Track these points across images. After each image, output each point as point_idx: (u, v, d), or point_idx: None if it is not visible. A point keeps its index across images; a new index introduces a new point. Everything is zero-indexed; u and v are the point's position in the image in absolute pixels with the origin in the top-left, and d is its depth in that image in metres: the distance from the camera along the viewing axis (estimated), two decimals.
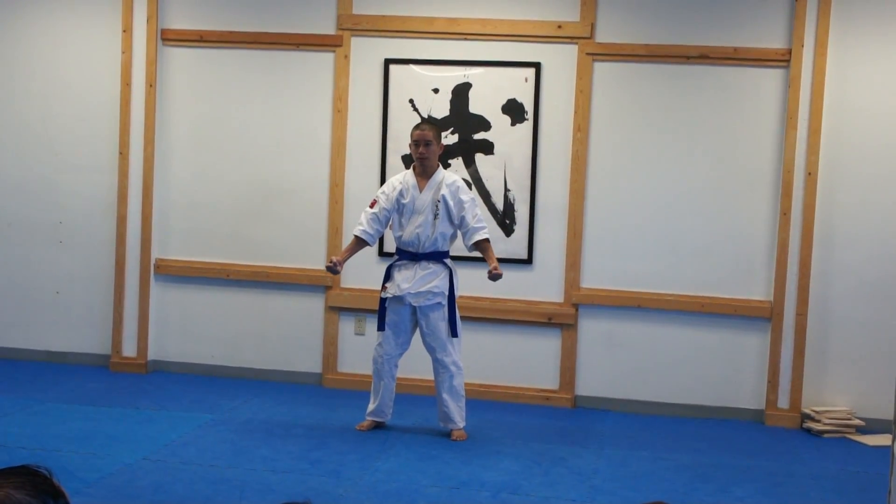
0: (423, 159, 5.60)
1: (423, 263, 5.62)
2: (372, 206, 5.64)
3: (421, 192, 5.61)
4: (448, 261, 5.71)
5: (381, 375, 5.72)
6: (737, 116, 6.38)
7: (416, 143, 5.60)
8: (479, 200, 6.58)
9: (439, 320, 5.62)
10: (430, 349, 5.70)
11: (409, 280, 5.59)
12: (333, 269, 5.59)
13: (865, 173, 6.26)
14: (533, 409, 6.48)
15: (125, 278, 6.96)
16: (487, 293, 6.63)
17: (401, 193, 5.61)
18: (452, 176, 5.74)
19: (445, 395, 5.72)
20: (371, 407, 5.79)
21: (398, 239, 5.70)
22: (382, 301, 5.69)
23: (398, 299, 5.61)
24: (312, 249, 6.82)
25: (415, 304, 5.60)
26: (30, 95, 7.09)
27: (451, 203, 5.59)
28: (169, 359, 7.04)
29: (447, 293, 5.63)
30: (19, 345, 7.19)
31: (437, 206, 5.57)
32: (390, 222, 5.70)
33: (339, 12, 6.68)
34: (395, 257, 5.76)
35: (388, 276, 5.70)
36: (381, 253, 6.69)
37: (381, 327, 5.70)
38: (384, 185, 5.77)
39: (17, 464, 1.57)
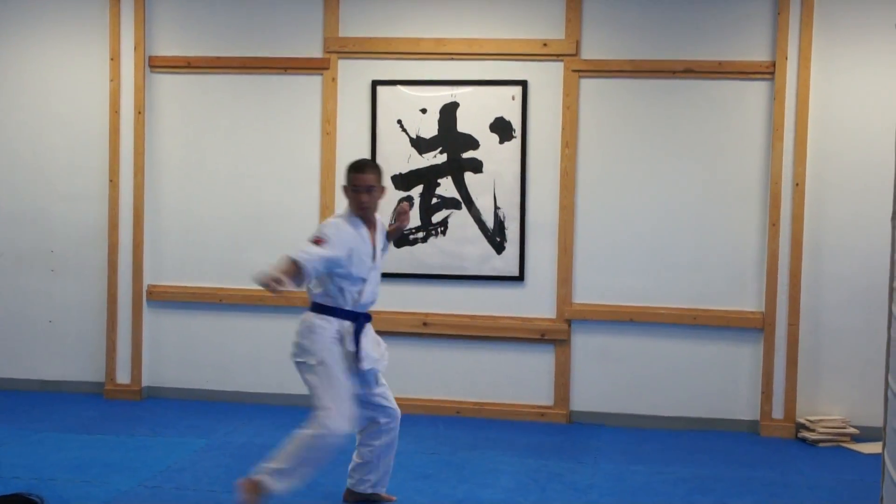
0: (365, 208, 4.62)
1: (368, 326, 4.72)
2: (318, 243, 4.42)
3: (374, 244, 4.70)
4: None
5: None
6: (723, 129, 6.42)
7: (355, 188, 4.60)
8: (470, 220, 6.61)
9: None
10: (381, 406, 4.74)
11: (374, 347, 4.68)
12: (274, 288, 4.17)
13: (852, 182, 6.30)
14: (528, 425, 6.49)
15: (118, 305, 6.95)
16: (480, 311, 6.65)
17: (358, 248, 4.58)
18: (378, 216, 4.83)
19: (391, 455, 4.84)
20: None
21: (351, 299, 4.58)
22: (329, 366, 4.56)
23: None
24: None
25: (380, 369, 4.72)
26: (19, 125, 7.10)
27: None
28: (163, 385, 7.03)
29: None
30: (12, 375, 7.17)
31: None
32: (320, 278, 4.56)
33: (325, 35, 6.72)
34: (333, 319, 4.59)
35: (335, 342, 4.58)
36: None
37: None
38: (332, 229, 4.53)
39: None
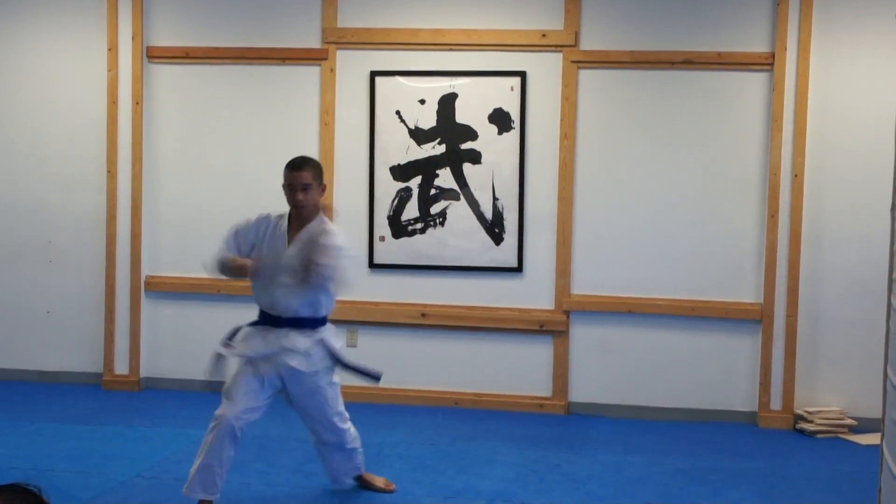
0: (300, 207, 4.48)
1: (284, 331, 4.52)
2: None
3: (290, 244, 4.49)
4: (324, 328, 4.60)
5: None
6: (722, 120, 6.42)
7: (290, 186, 4.48)
8: (469, 211, 6.60)
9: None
10: (308, 428, 4.78)
11: (258, 344, 4.56)
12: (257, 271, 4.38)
13: (851, 173, 6.30)
14: (526, 416, 6.49)
15: (116, 296, 6.95)
16: (478, 302, 6.65)
17: (266, 238, 4.50)
18: (332, 228, 4.52)
19: (338, 463, 4.87)
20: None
21: (264, 301, 4.59)
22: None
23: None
24: None
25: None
26: (17, 115, 7.09)
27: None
28: (161, 375, 7.03)
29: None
30: (11, 365, 7.17)
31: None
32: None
33: (324, 26, 6.70)
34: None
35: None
36: (372, 264, 6.70)
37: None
38: (232, 228, 4.68)
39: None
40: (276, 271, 4.45)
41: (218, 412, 4.49)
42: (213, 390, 6.90)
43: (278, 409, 6.48)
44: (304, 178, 4.47)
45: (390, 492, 4.89)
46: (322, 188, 4.57)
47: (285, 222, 4.55)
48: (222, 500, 4.73)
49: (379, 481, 4.94)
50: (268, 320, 4.56)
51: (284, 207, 4.63)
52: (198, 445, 4.55)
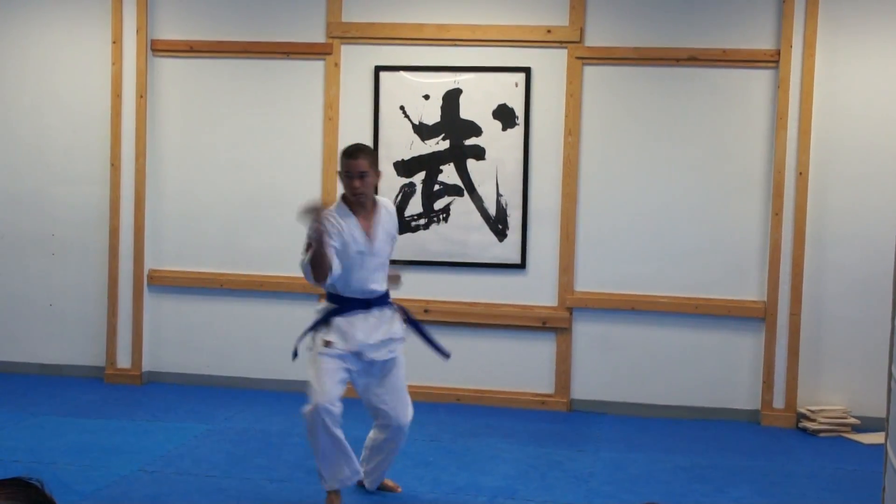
0: (358, 194, 4.51)
1: (375, 311, 4.60)
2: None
3: (370, 234, 4.55)
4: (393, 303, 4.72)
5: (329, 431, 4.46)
6: (727, 118, 6.40)
7: (347, 174, 4.50)
8: (472, 207, 6.60)
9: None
10: (376, 407, 4.64)
11: (364, 331, 4.53)
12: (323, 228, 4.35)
13: (856, 172, 6.28)
14: (529, 413, 6.48)
15: (118, 289, 6.95)
16: (481, 298, 6.64)
17: (340, 235, 4.48)
18: (385, 201, 4.77)
19: (384, 457, 4.76)
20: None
21: (344, 287, 4.55)
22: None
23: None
24: None
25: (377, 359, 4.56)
26: (21, 108, 7.09)
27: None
28: (164, 369, 7.03)
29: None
30: (13, 358, 7.17)
31: (390, 247, 4.69)
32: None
33: (328, 20, 6.69)
34: (331, 305, 4.60)
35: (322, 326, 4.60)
36: None
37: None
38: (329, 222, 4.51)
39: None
40: (363, 256, 4.49)
41: (314, 406, 4.40)
42: (215, 385, 6.92)
43: (278, 405, 6.50)
44: (360, 165, 4.50)
45: (396, 492, 4.86)
46: (378, 174, 4.63)
47: (348, 211, 4.56)
48: (222, 497, 4.73)
49: (387, 481, 4.91)
50: (356, 305, 4.54)
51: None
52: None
